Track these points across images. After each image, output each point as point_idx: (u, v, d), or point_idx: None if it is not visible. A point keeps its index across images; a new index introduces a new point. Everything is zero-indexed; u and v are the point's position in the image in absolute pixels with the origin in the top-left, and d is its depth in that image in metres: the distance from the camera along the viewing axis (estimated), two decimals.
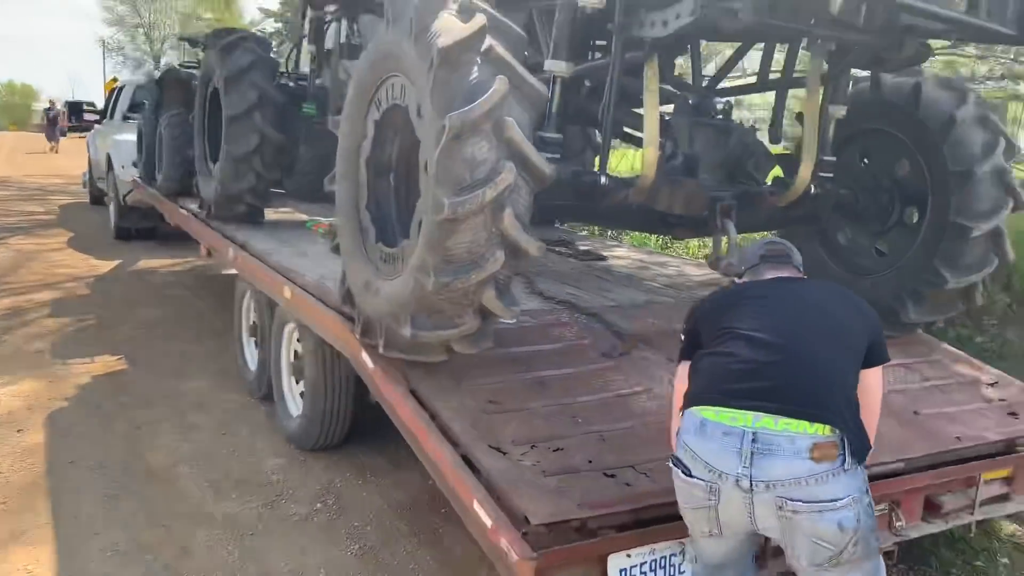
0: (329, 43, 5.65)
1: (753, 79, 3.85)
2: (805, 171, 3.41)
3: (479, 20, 2.54)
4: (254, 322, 5.14)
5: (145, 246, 10.11)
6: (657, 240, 8.66)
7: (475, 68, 2.49)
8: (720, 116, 3.41)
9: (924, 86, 3.66)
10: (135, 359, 5.69)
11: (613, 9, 2.95)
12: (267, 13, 19.52)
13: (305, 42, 5.75)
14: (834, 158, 3.68)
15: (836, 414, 2.08)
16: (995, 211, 3.50)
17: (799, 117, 3.52)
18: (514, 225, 2.48)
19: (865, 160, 4.02)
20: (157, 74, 8.25)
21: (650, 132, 3.05)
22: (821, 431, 2.05)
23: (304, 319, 3.86)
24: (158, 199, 7.18)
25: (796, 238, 3.37)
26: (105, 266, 8.95)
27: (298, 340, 4.36)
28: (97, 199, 13.46)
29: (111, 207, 10.89)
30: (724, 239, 3.39)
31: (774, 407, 2.07)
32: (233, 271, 5.25)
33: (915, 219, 3.82)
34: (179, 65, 7.09)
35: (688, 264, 5.48)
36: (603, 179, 3.14)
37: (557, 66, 3.04)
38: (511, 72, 2.51)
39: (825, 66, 3.41)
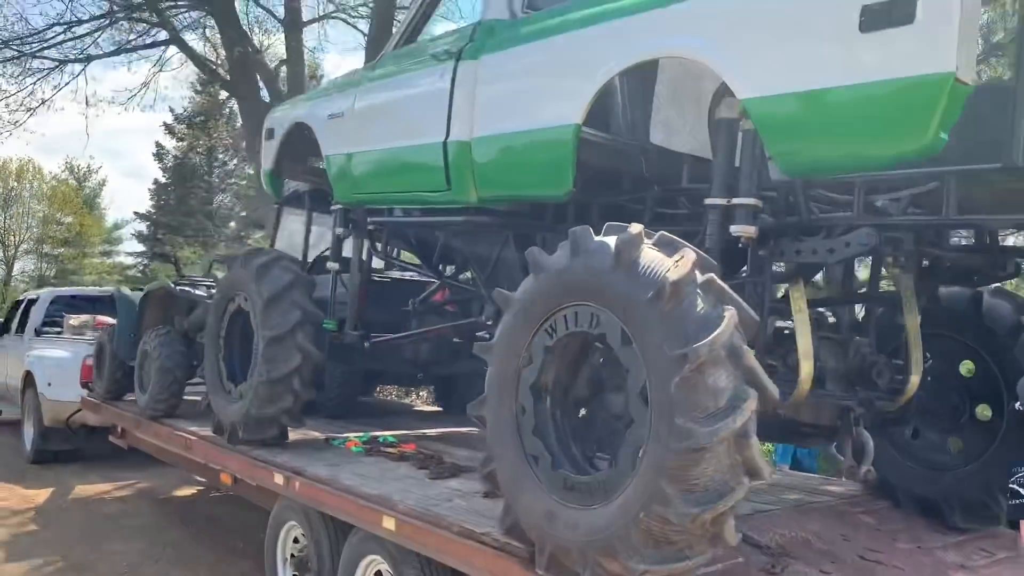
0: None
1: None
2: (915, 380, 3.64)
3: (690, 254, 2.69)
4: (295, 554, 4.79)
5: (70, 470, 9.31)
6: None
7: (698, 299, 2.61)
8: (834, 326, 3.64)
9: (984, 295, 4.04)
10: None
11: (767, 236, 3.18)
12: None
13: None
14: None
15: None
16: None
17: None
18: (757, 450, 2.52)
19: (929, 361, 4.32)
20: (118, 289, 7.94)
21: (804, 347, 3.21)
22: None
23: (423, 550, 3.64)
24: (133, 421, 6.72)
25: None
26: (39, 495, 8.15)
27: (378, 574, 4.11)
28: None
29: (27, 429, 10.05)
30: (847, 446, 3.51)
31: None
32: (224, 493, 4.93)
33: (989, 415, 4.09)
34: (173, 283, 6.85)
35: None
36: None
37: None
38: (732, 301, 2.63)
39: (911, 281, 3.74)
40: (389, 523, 3.78)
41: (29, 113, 18.53)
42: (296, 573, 4.80)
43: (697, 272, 2.66)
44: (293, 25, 18.33)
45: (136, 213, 38.22)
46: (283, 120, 5.78)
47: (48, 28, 17.53)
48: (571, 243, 2.94)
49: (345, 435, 5.59)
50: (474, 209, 4.21)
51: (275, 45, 20.22)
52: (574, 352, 3.06)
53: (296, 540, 4.84)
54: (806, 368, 3.21)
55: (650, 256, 2.73)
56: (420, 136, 4.31)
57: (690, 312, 2.58)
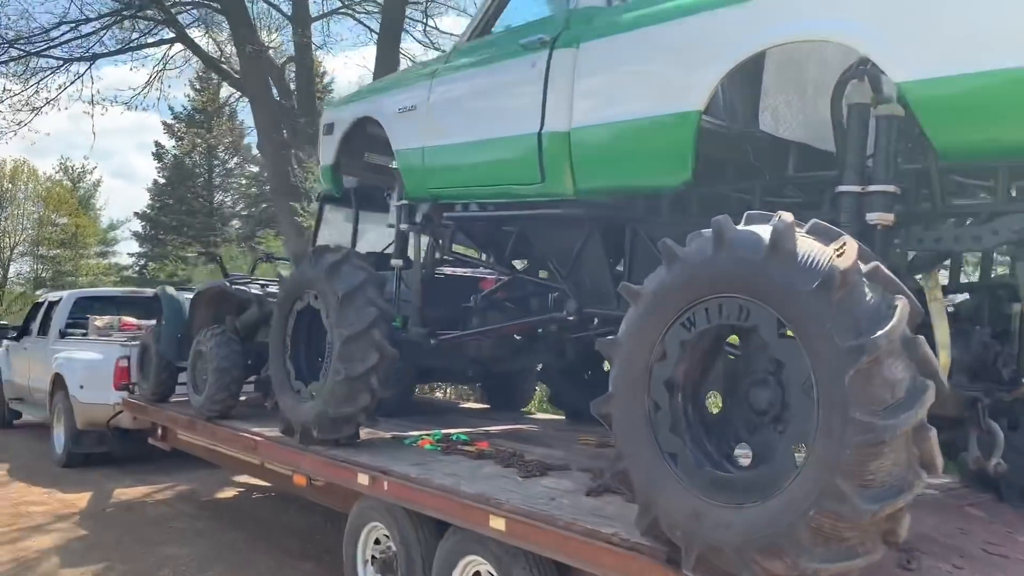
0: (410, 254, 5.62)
1: None
2: None
3: (852, 242, 2.61)
4: (376, 556, 4.70)
5: (103, 473, 9.20)
6: None
7: (866, 288, 2.53)
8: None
9: None
10: None
11: (905, 223, 3.11)
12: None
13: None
14: None
15: None
16: None
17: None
18: (935, 443, 2.45)
19: None
20: (163, 288, 7.82)
21: (942, 337, 3.14)
22: None
23: (539, 550, 3.55)
24: (187, 422, 6.62)
25: None
26: (79, 499, 8.03)
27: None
28: (6, 422, 12.56)
29: (57, 432, 9.92)
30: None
31: None
32: (274, 494, 4.83)
33: None
34: (229, 282, 6.73)
35: None
36: None
37: None
38: (900, 290, 2.56)
39: None
40: (498, 523, 3.69)
41: (34, 113, 18.38)
42: (379, 575, 4.71)
43: (859, 261, 2.58)
44: (301, 20, 18.21)
45: (136, 213, 38.01)
46: (344, 115, 5.68)
47: (55, 27, 17.34)
48: (714, 234, 2.85)
49: (414, 433, 5.49)
50: (568, 202, 4.12)
51: (280, 43, 20.08)
52: (709, 346, 2.98)
53: (378, 541, 4.75)
54: (944, 358, 3.13)
55: (808, 245, 2.65)
56: (509, 128, 4.22)
57: (860, 302, 2.50)
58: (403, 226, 5.54)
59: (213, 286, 6.70)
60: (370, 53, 19.94)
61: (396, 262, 5.60)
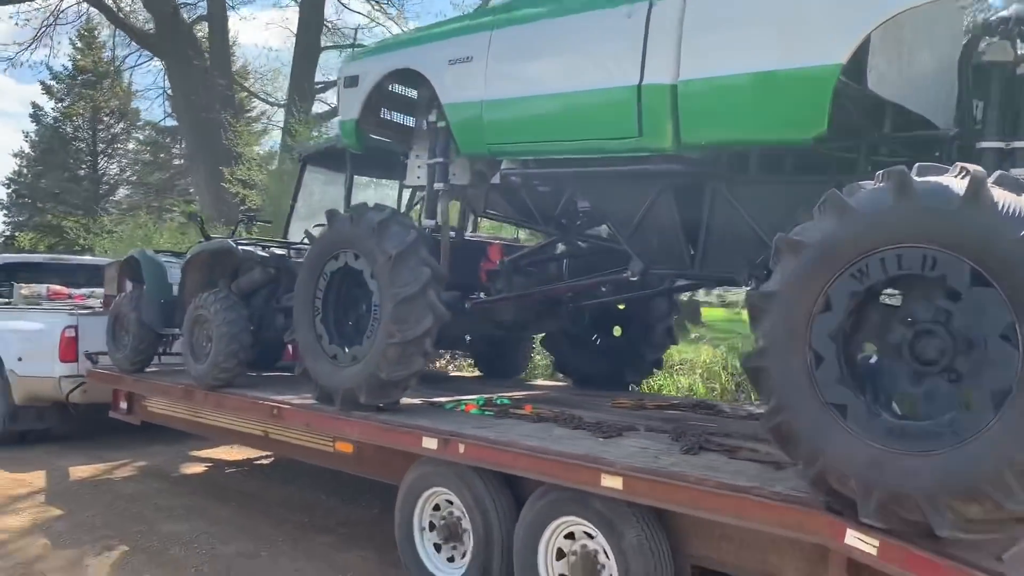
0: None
1: None
2: None
3: None
4: (434, 522, 4.56)
5: (46, 450, 8.55)
6: None
7: None
8: None
9: None
10: None
11: None
12: None
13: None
14: None
15: None
16: None
17: None
18: None
19: None
20: (142, 250, 7.28)
21: None
22: None
23: (670, 506, 3.51)
24: (183, 393, 6.21)
25: None
26: (31, 478, 7.43)
27: (567, 537, 3.96)
28: None
29: None
30: None
31: None
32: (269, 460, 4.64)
33: None
34: (233, 241, 6.29)
35: None
36: None
37: None
38: None
39: None
40: (613, 481, 3.62)
41: None
42: (439, 542, 4.56)
43: None
44: None
45: (8, 179, 35.40)
46: (373, 66, 5.39)
47: None
48: (895, 184, 2.84)
49: (449, 399, 5.34)
50: (662, 156, 4.05)
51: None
52: (876, 297, 2.98)
53: (437, 507, 4.59)
54: None
55: (1002, 195, 2.68)
56: (598, 80, 4.10)
57: None
58: (437, 185, 5.34)
59: (217, 246, 6.26)
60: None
61: (428, 222, 5.39)
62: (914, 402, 2.99)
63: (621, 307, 6.47)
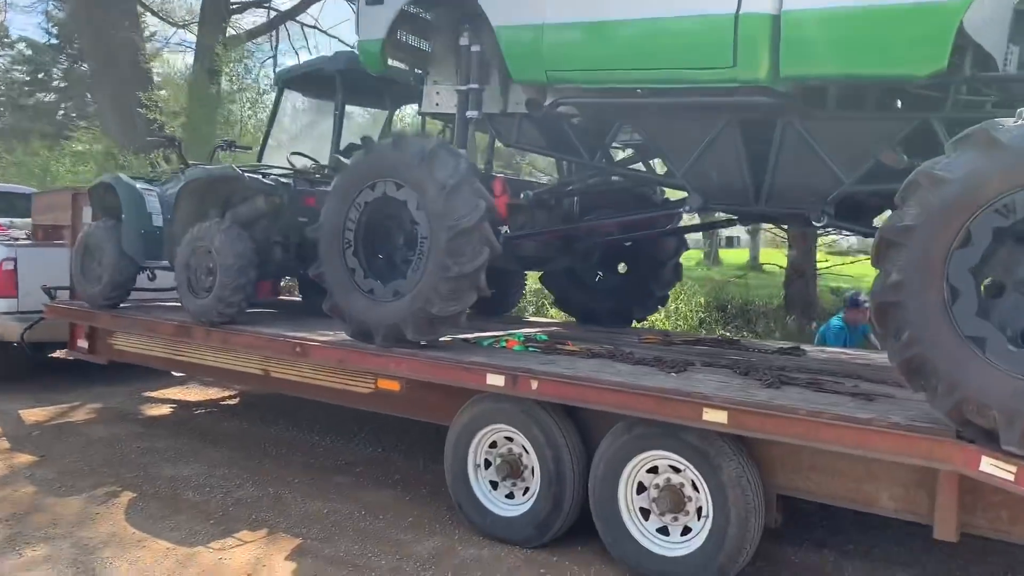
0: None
1: None
2: None
3: None
4: (488, 460, 4.48)
5: None
6: None
7: None
8: None
9: None
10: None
11: None
12: None
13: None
14: None
15: None
16: None
17: None
18: None
19: None
20: (117, 176, 6.67)
21: None
22: None
23: (781, 438, 3.54)
24: (177, 330, 5.81)
25: None
26: None
27: (649, 471, 3.96)
28: None
29: None
30: None
31: None
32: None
33: None
34: (241, 169, 5.81)
35: None
36: None
37: None
38: None
39: None
40: (716, 415, 3.62)
41: None
42: (496, 479, 4.48)
43: None
44: None
45: None
46: None
47: None
48: None
49: (485, 336, 5.22)
50: (750, 89, 3.98)
51: None
52: (1017, 233, 3.03)
53: (494, 444, 4.50)
54: None
55: None
56: (693, 6, 3.97)
57: None
58: (470, 113, 5.11)
59: (222, 173, 5.79)
60: None
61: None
62: None
63: (628, 244, 6.44)
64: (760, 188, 4.43)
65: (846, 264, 15.25)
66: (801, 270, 10.94)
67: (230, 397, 8.16)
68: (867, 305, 7.04)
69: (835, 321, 7.06)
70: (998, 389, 2.98)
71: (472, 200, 4.49)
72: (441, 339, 4.93)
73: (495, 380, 4.28)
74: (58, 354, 8.59)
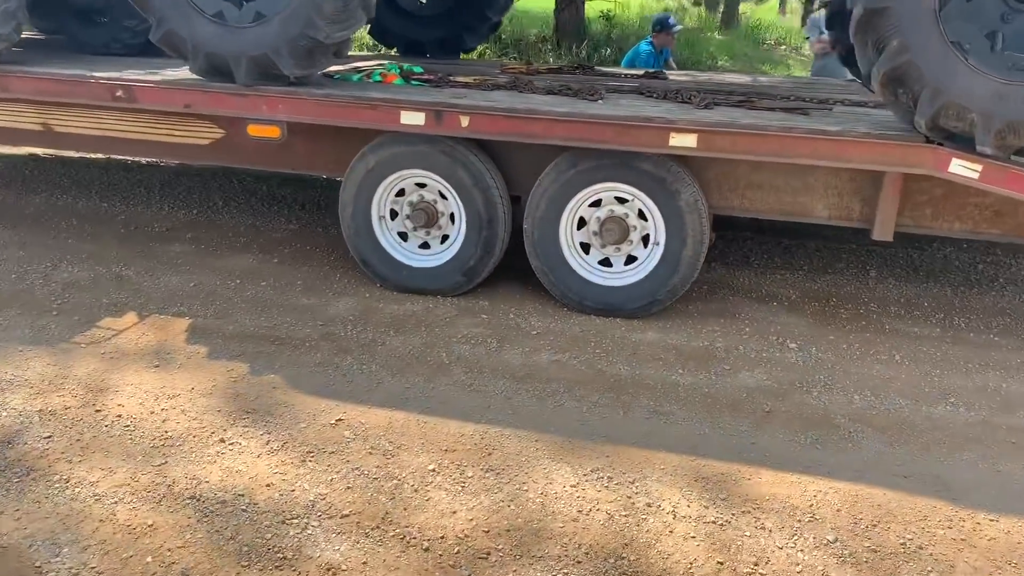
0: None
1: None
2: None
3: None
4: (395, 210, 4.05)
5: None
6: None
7: None
8: None
9: None
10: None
11: None
12: None
13: None
14: None
15: None
16: None
17: None
18: None
19: None
20: None
21: None
22: None
23: (766, 157, 3.49)
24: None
25: None
26: None
27: (591, 205, 3.81)
28: None
29: None
30: None
31: None
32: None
33: None
34: None
35: None
36: None
37: None
38: None
39: None
40: (685, 139, 3.49)
41: None
42: (404, 231, 4.06)
43: None
44: None
45: None
46: None
47: None
48: None
49: (347, 69, 4.50)
50: None
51: None
52: None
53: (401, 192, 4.02)
54: None
55: None
56: None
57: None
58: None
59: None
60: None
61: None
62: None
63: None
64: None
65: None
66: None
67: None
68: (678, 28, 7.14)
69: (644, 46, 7.04)
70: (980, 92, 3.11)
71: None
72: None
73: (413, 119, 3.73)
74: None
